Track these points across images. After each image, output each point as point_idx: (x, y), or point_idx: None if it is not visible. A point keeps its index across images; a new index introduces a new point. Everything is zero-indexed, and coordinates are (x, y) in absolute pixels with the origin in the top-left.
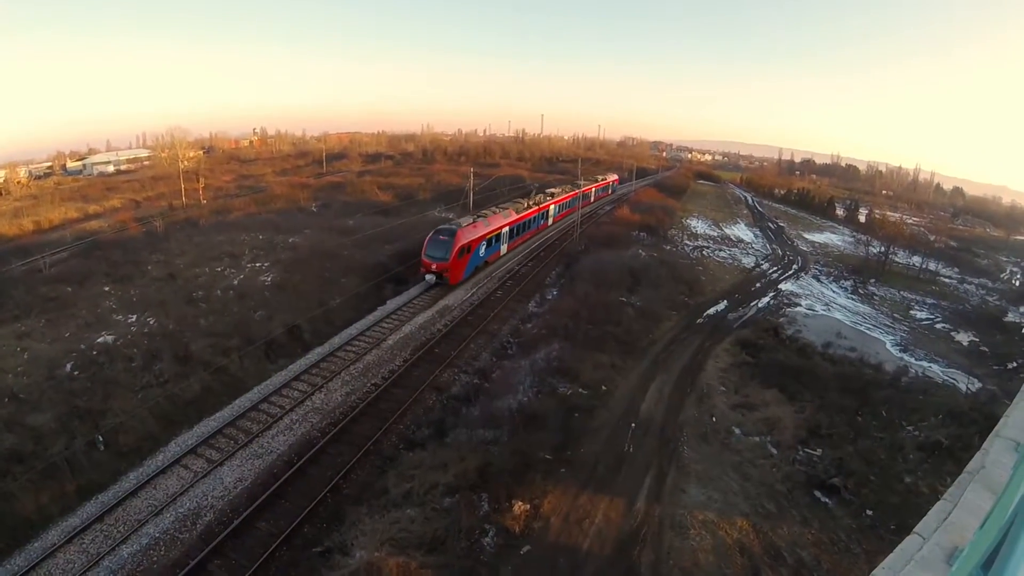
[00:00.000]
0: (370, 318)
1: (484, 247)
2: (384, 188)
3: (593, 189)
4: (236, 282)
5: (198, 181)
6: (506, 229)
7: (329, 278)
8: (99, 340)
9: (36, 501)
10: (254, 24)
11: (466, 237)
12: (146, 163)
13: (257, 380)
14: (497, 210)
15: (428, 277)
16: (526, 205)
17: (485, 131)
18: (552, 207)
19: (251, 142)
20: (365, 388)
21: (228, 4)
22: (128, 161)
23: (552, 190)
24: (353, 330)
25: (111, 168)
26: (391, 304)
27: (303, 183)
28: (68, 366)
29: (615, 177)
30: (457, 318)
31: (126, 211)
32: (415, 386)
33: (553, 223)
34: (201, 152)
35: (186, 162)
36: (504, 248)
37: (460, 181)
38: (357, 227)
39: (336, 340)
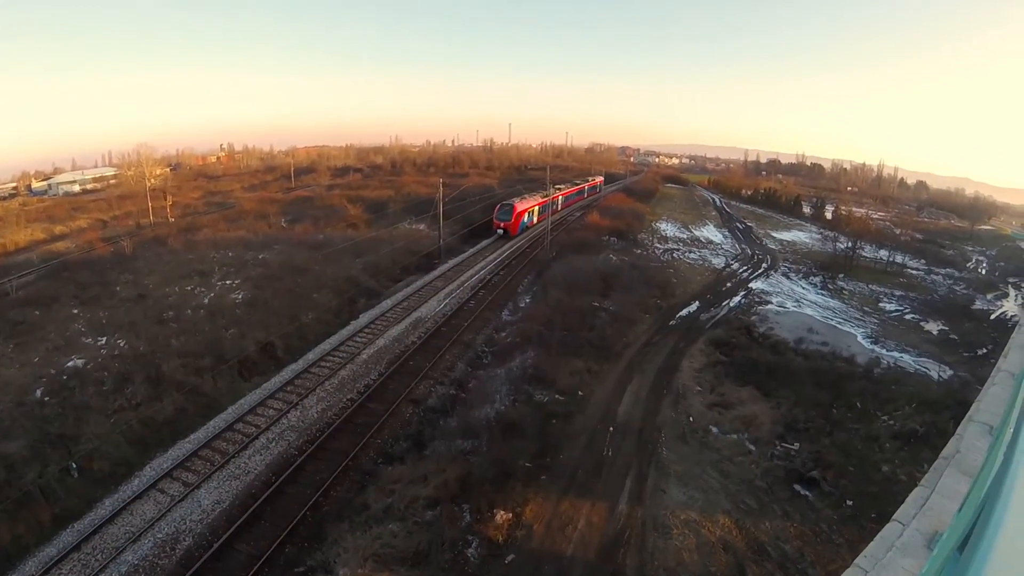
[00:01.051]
0: (343, 332)
1: (527, 216)
2: (353, 201)
3: (586, 187)
4: (207, 300)
5: (165, 199)
6: (537, 207)
7: (301, 293)
8: (69, 364)
9: (11, 531)
10: (219, 40)
11: (520, 208)
12: (112, 182)
13: (231, 399)
14: (531, 196)
15: (498, 231)
16: (545, 194)
17: (454, 141)
18: (560, 197)
19: (218, 158)
20: (341, 404)
21: (193, 21)
22: (94, 180)
23: (560, 186)
24: (327, 345)
25: (77, 188)
26: (364, 318)
27: (272, 198)
28: (38, 392)
29: (601, 178)
30: (431, 329)
31: (93, 231)
32: (391, 399)
33: (562, 208)
34: (168, 169)
35: (153, 180)
36: (535, 219)
37: (430, 192)
38: (327, 241)
39: (310, 356)
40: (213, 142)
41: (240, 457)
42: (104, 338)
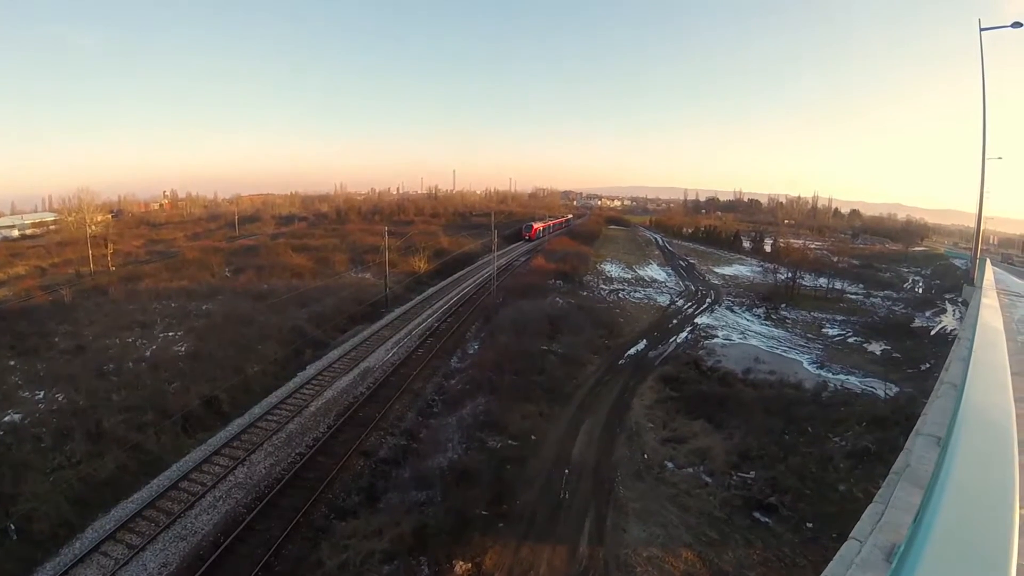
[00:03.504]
0: (290, 385)
1: (539, 232)
2: (299, 250)
3: (564, 220)
4: (148, 353)
5: (106, 246)
6: (543, 227)
7: (245, 345)
8: (6, 419)
9: None
10: (163, 86)
11: (535, 226)
12: (52, 227)
13: (175, 456)
14: (539, 222)
15: (525, 237)
16: (544, 221)
17: (399, 189)
18: (552, 224)
19: (161, 205)
20: (290, 458)
21: (135, 65)
22: (33, 225)
23: (548, 218)
24: (273, 398)
25: (16, 232)
26: (311, 369)
27: (216, 247)
28: None
29: (571, 215)
30: (379, 379)
31: (31, 278)
32: (341, 452)
33: (554, 231)
34: (109, 216)
35: (94, 226)
36: (543, 235)
37: (376, 240)
38: (272, 291)
39: (256, 410)
40: (156, 188)
41: (186, 517)
42: (42, 392)
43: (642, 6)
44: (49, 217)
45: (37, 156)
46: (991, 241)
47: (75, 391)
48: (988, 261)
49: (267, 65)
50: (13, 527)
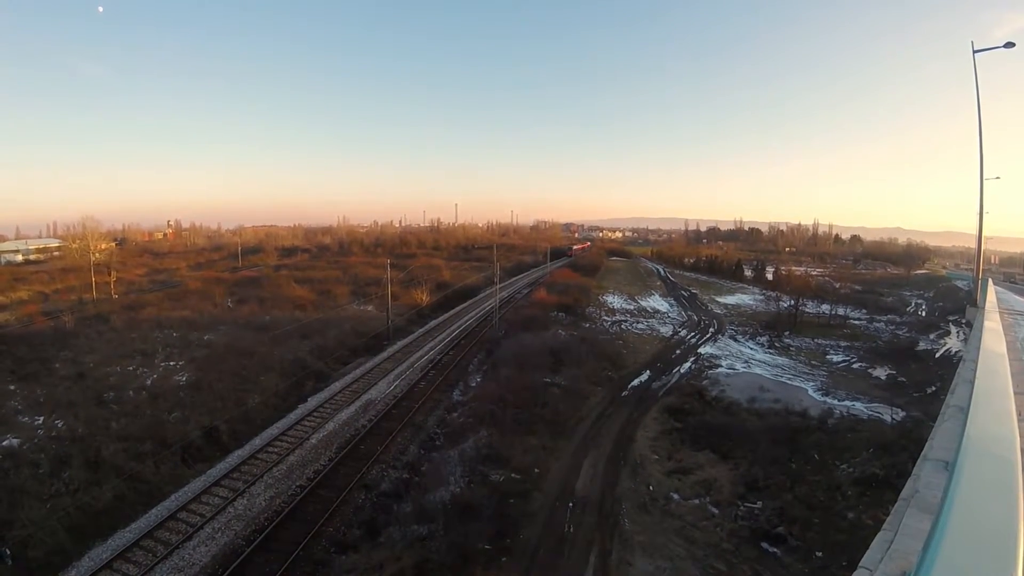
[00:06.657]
0: (291, 416)
1: (575, 253)
2: (301, 282)
3: (584, 247)
4: (149, 382)
5: (109, 274)
6: (579, 248)
7: (247, 376)
8: (4, 443)
9: None
10: (169, 116)
11: (574, 248)
12: (56, 254)
13: (174, 487)
14: (575, 246)
15: (568, 255)
16: (579, 245)
17: (401, 222)
18: (582, 247)
19: (165, 235)
20: (290, 491)
21: (142, 95)
22: (37, 250)
23: (576, 246)
24: (274, 430)
25: (20, 258)
26: (313, 401)
27: (218, 277)
28: None
29: (588, 243)
30: (381, 412)
31: (34, 304)
32: (342, 485)
33: (578, 253)
34: (113, 244)
35: (97, 254)
36: (580, 253)
37: (378, 273)
38: (274, 323)
39: (257, 441)
40: (160, 218)
41: (184, 548)
42: (41, 417)
43: (644, 45)
44: (53, 243)
45: (43, 182)
46: (992, 261)
47: (74, 418)
48: (990, 281)
49: (273, 98)
50: (8, 552)
